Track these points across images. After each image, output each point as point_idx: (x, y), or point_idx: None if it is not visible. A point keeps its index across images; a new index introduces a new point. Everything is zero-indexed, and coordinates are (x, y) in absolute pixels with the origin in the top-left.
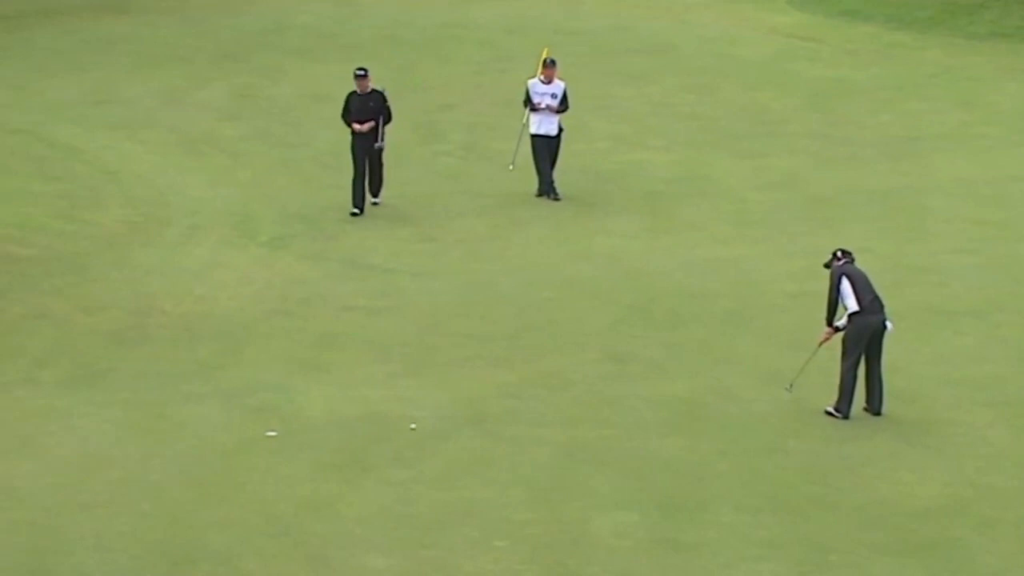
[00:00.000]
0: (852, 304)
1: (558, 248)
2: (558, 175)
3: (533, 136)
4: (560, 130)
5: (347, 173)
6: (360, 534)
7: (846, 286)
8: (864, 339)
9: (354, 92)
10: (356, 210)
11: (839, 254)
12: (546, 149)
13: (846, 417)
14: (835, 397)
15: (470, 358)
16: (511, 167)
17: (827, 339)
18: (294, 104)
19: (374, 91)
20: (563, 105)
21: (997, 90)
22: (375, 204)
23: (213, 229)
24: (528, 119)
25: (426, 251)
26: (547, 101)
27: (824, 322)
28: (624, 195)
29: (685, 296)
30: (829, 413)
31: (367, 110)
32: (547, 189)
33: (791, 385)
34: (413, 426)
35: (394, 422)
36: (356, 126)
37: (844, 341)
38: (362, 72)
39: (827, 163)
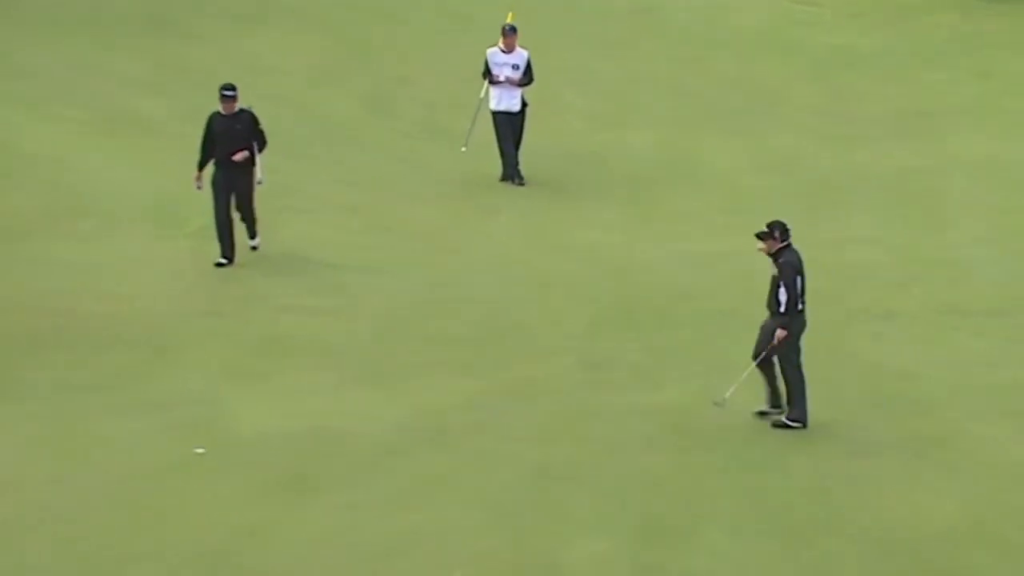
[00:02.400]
0: (796, 303)
1: (530, 240)
2: (523, 158)
3: (493, 113)
4: (524, 105)
5: (292, 154)
6: (303, 565)
7: (797, 283)
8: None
9: (217, 113)
10: (224, 260)
11: (778, 234)
12: (508, 127)
13: (805, 425)
14: (786, 406)
15: (430, 365)
16: (463, 149)
17: (781, 344)
18: (227, 76)
19: (242, 111)
20: (526, 77)
21: (1020, 58)
22: (255, 248)
23: (136, 219)
24: (487, 93)
25: (379, 244)
26: (507, 73)
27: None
28: (603, 180)
29: (673, 294)
30: (784, 425)
31: (234, 135)
32: (511, 173)
33: (723, 400)
34: (375, 439)
35: (342, 438)
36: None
37: (788, 345)
38: (230, 91)
39: (831, 142)
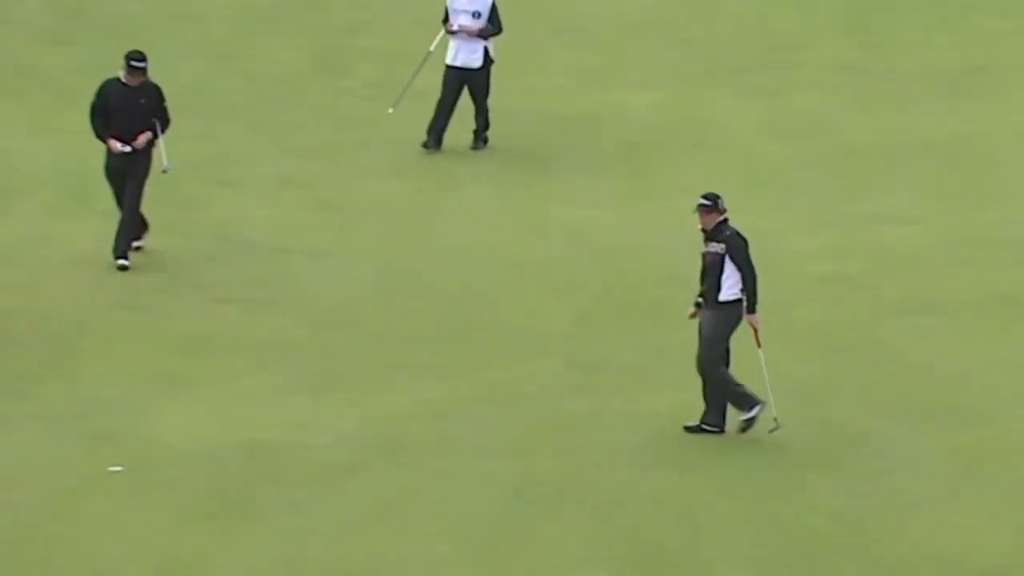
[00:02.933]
0: (733, 288)
1: (505, 220)
2: (496, 122)
3: (447, 68)
4: (488, 61)
5: (222, 117)
6: None
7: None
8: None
9: (116, 81)
10: (123, 261)
11: (723, 206)
12: (457, 89)
13: (722, 430)
14: (706, 408)
15: (387, 367)
16: (390, 111)
17: (759, 332)
18: (146, 25)
19: (148, 85)
20: (491, 26)
21: None
22: (138, 248)
23: (35, 193)
24: (439, 44)
25: (326, 223)
26: (462, 21)
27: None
28: (592, 149)
29: (674, 284)
30: (700, 429)
31: (136, 112)
32: (432, 141)
33: (777, 423)
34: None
35: (285, 453)
36: (117, 145)
37: (716, 335)
38: (139, 62)
39: (864, 103)
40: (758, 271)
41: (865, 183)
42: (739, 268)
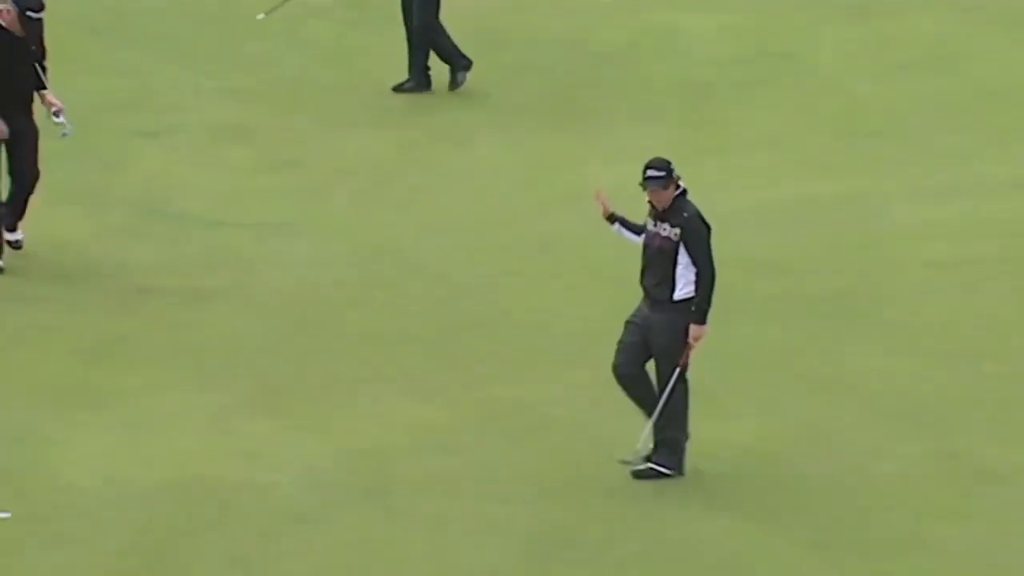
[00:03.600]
0: (689, 284)
1: (519, 186)
2: (512, 51)
3: None
4: None
5: (144, 44)
6: None
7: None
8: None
9: None
10: (15, 235)
11: (677, 175)
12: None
13: (681, 472)
14: (658, 445)
15: (363, 381)
16: (262, 16)
17: (690, 350)
18: None
19: (30, 19)
20: None
21: None
22: (16, 244)
23: None
24: None
25: (285, 189)
26: None
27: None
28: (641, 89)
29: (748, 268)
30: (653, 472)
31: (25, 64)
32: (463, 64)
33: (635, 454)
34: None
35: (230, 495)
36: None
37: (676, 345)
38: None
39: (1004, 27)
40: (862, 253)
41: (1003, 135)
42: (694, 262)
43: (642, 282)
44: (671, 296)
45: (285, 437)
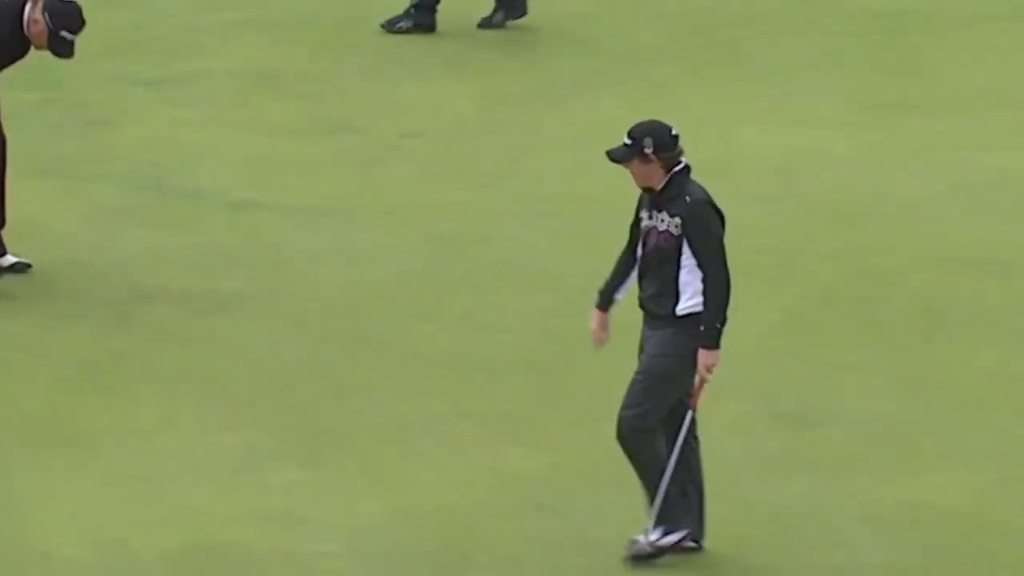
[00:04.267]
0: (697, 295)
1: None
2: None
3: None
4: None
5: None
6: None
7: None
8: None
9: None
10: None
11: (666, 148)
12: None
13: (699, 544)
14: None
15: (436, 418)
16: None
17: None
18: None
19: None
20: None
21: None
22: (18, 267)
23: None
24: None
25: (331, 159)
26: None
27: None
28: (808, 25)
29: (951, 263)
30: (658, 552)
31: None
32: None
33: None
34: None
35: (260, 566)
36: None
37: (670, 372)
38: None
39: None
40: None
41: None
42: (700, 263)
43: (640, 290)
44: (673, 310)
45: (331, 491)
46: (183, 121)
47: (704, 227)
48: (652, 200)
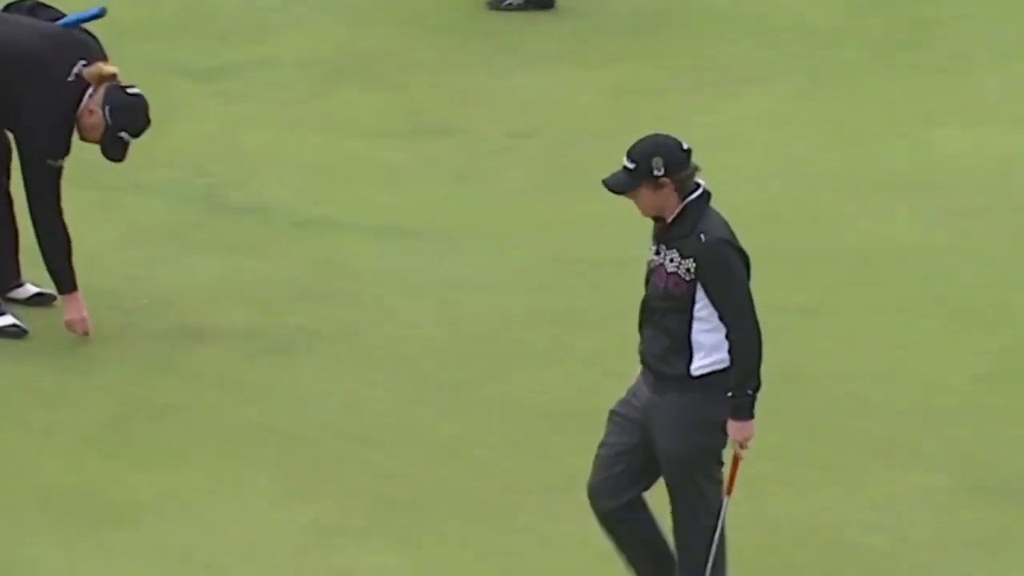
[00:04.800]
0: (716, 351)
1: (823, 157)
2: None
3: None
4: None
5: None
6: None
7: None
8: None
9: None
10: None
11: (675, 169)
12: None
13: None
14: None
15: (554, 486)
16: None
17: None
18: None
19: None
20: None
21: None
22: (40, 299)
23: None
24: None
25: (424, 165)
26: None
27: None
28: None
29: None
30: None
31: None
32: None
33: None
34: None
35: None
36: None
37: (697, 454)
38: None
39: None
40: None
41: None
42: (723, 314)
43: (640, 343)
44: (687, 370)
45: None
46: (241, 120)
47: (723, 269)
48: (661, 233)
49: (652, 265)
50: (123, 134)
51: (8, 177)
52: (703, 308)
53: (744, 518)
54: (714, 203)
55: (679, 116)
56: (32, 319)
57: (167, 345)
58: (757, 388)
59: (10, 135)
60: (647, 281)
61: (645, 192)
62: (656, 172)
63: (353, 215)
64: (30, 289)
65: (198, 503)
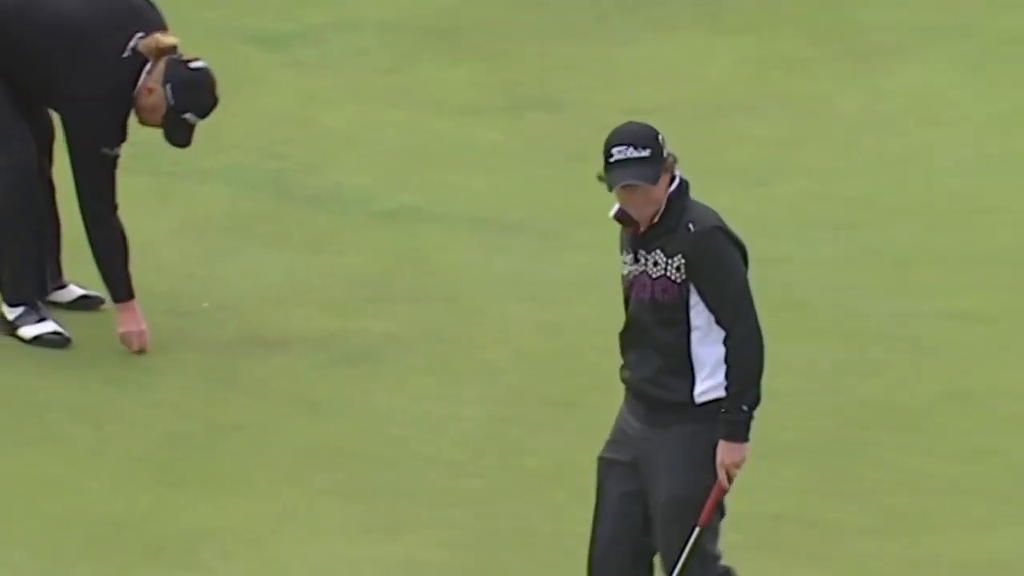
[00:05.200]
0: (709, 375)
1: (1006, 134)
2: None
3: None
4: None
5: None
6: None
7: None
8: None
9: None
10: (50, 329)
11: (668, 158)
12: None
13: None
14: None
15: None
16: None
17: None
18: None
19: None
20: None
21: None
22: (86, 302)
23: None
24: None
25: (517, 147)
26: None
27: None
28: None
29: None
30: None
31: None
32: None
33: None
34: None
35: None
36: None
37: (700, 490)
38: None
39: None
40: None
41: None
42: (719, 317)
43: (624, 369)
44: (690, 395)
45: None
46: (318, 95)
47: (718, 261)
48: (636, 237)
49: (630, 277)
50: (188, 115)
51: (50, 161)
52: (700, 315)
53: (912, 562)
54: (860, 194)
55: (826, 91)
56: (76, 325)
57: (229, 355)
58: (755, 404)
59: (54, 113)
60: (626, 300)
61: (664, 181)
62: (665, 152)
63: (442, 203)
64: (74, 291)
65: (264, 537)
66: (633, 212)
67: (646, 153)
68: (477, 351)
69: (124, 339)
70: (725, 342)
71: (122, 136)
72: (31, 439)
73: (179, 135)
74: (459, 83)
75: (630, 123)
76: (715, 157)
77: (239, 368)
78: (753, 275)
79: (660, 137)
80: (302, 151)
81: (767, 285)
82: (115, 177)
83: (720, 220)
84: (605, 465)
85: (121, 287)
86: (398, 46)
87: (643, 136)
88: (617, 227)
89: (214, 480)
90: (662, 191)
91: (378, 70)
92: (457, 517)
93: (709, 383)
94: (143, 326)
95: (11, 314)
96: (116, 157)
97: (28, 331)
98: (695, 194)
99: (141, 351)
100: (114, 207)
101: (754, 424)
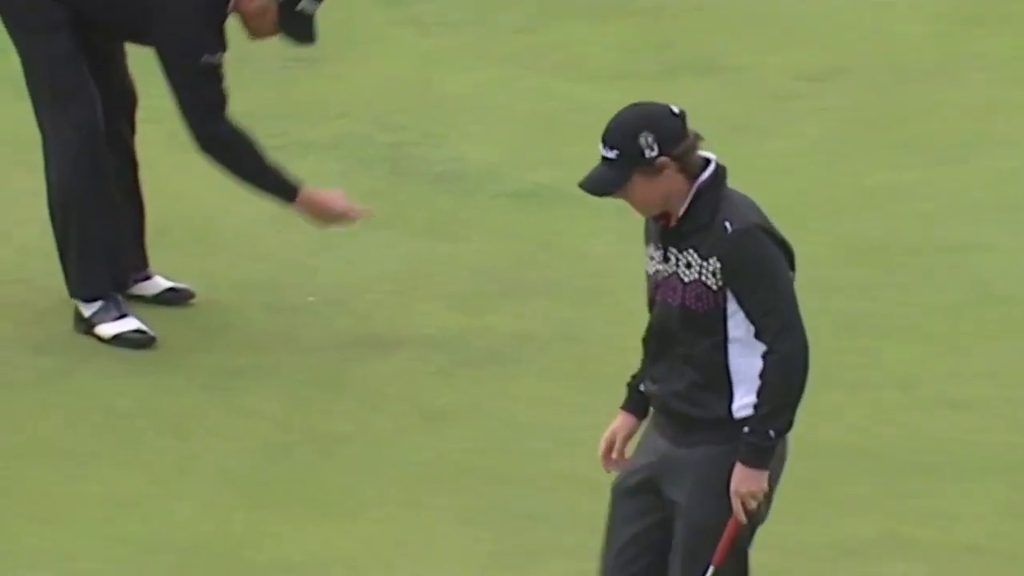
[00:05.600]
0: (749, 390)
1: None
2: None
3: None
4: None
5: None
6: None
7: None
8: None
9: None
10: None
11: (683, 122)
12: None
13: None
14: None
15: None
16: None
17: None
18: None
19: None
20: None
21: None
22: (171, 295)
23: None
24: None
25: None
26: None
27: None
28: None
29: None
30: None
31: None
32: None
33: None
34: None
35: None
36: None
37: (722, 518)
38: None
39: None
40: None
41: None
42: (759, 328)
43: (649, 381)
44: (728, 410)
45: None
46: (439, 56)
47: (761, 269)
48: (666, 232)
49: (658, 278)
50: (302, 4)
51: (133, 129)
52: (738, 325)
53: None
54: None
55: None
56: (162, 323)
57: (337, 357)
58: (785, 431)
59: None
60: (651, 301)
61: (640, 184)
62: (649, 153)
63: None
64: (160, 283)
65: (375, 568)
66: (639, 210)
67: (612, 154)
68: (619, 355)
69: (335, 220)
70: (765, 356)
71: (222, 44)
72: (110, 453)
73: (302, 30)
74: (603, 44)
75: (633, 106)
76: (902, 128)
77: (348, 372)
78: (946, 264)
79: (644, 135)
80: (421, 121)
81: (961, 276)
82: (225, 92)
83: (761, 216)
84: (619, 494)
85: (282, 187)
86: (531, 3)
87: (617, 132)
88: None
89: (317, 501)
90: (647, 191)
91: (508, 28)
92: (599, 545)
93: (749, 399)
94: (340, 204)
95: (87, 310)
96: (218, 67)
97: (107, 329)
98: (888, 154)
99: (360, 215)
100: (230, 118)
101: (941, 439)
